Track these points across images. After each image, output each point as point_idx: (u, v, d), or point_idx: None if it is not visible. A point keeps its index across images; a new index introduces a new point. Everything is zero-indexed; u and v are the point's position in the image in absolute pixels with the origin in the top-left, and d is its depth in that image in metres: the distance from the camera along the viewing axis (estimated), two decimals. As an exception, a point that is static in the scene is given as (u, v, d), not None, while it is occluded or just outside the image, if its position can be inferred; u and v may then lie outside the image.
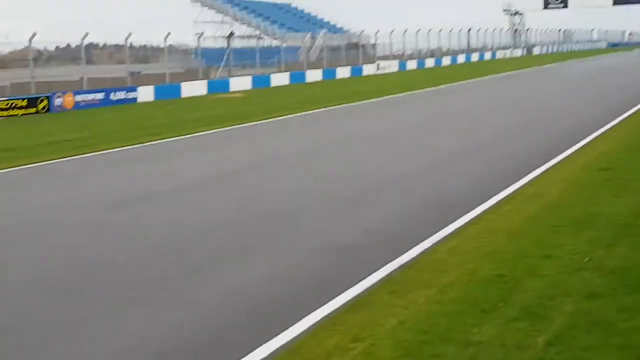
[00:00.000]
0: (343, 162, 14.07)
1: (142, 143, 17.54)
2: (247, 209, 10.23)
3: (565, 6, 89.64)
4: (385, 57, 61.44)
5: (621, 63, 47.03)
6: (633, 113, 18.93)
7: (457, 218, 8.91)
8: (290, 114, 23.78)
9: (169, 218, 9.93)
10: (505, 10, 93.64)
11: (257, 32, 68.24)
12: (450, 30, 72.87)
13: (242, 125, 21.16)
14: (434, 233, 8.28)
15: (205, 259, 7.91)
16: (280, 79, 44.78)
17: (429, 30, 68.65)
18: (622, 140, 14.55)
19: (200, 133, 19.35)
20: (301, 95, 33.18)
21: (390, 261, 7.27)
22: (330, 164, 14.02)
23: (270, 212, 9.88)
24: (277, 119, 22.62)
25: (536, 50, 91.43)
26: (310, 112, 24.63)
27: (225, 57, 45.27)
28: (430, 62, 64.98)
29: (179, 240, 8.70)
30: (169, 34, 39.06)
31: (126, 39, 36.70)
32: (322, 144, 17.00)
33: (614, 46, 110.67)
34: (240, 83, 41.24)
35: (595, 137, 15.14)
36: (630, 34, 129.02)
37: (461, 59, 70.66)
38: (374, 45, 64.10)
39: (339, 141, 17.34)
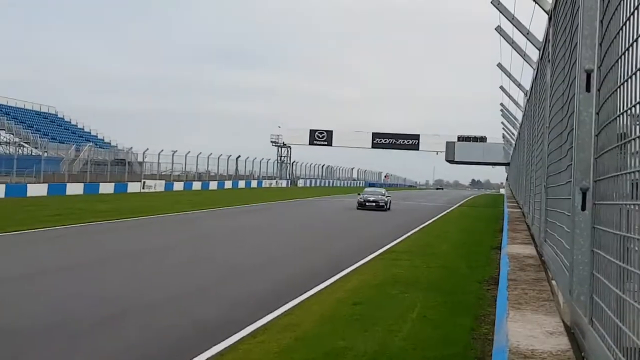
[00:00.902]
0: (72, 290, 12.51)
1: None
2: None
3: (329, 144, 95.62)
4: (152, 176, 60.90)
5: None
6: (384, 251, 19.98)
7: (213, 345, 8.73)
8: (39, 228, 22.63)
9: None
10: (273, 142, 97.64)
11: (17, 140, 65.09)
12: (219, 156, 74.35)
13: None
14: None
15: None
16: (37, 190, 42.63)
17: (199, 154, 69.56)
18: (371, 278, 15.08)
19: None
20: (58, 209, 31.52)
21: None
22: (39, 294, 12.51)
23: None
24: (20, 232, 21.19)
25: (301, 183, 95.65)
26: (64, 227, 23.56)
27: (-23, 161, 42.39)
28: (197, 185, 65.34)
29: None
30: None
31: None
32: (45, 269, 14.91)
33: (371, 185, 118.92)
34: (-8, 191, 38.76)
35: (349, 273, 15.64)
36: (385, 176, 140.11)
37: (228, 184, 71.87)
38: (141, 164, 63.46)
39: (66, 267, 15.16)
